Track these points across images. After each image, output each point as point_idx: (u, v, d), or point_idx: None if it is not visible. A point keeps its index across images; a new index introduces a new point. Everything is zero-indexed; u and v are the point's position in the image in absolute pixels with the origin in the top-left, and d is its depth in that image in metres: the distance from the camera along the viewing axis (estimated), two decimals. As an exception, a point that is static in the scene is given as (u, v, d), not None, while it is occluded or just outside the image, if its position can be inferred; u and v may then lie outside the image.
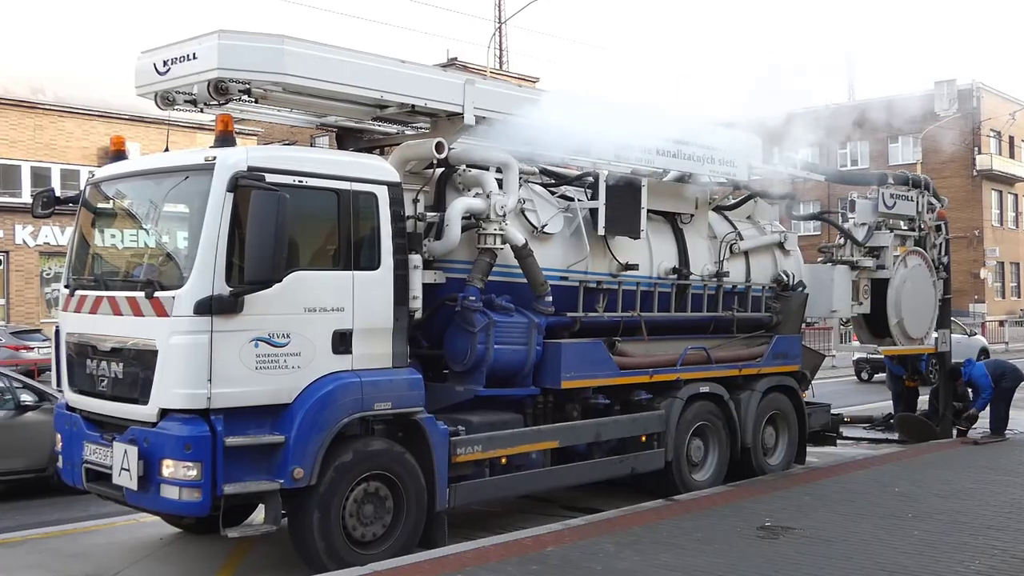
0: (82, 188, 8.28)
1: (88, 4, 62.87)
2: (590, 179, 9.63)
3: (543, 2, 75.35)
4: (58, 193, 8.91)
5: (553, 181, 9.88)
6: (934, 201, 14.13)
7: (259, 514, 7.29)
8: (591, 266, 9.50)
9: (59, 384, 8.00)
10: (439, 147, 8.06)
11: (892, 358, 14.69)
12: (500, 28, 49.71)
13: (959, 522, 8.62)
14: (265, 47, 7.27)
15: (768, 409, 11.14)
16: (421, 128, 9.02)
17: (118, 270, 7.98)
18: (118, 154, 8.23)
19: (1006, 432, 13.86)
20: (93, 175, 8.22)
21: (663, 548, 7.71)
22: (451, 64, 39.66)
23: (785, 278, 11.80)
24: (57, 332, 8.00)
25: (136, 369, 7.00)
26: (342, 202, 7.34)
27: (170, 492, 6.72)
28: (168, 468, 6.68)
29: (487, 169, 8.71)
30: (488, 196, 8.39)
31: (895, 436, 14.27)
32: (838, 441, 13.17)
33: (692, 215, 10.77)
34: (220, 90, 7.23)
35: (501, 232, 8.41)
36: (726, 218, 11.56)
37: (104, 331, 7.33)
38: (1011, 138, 53.44)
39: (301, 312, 7.04)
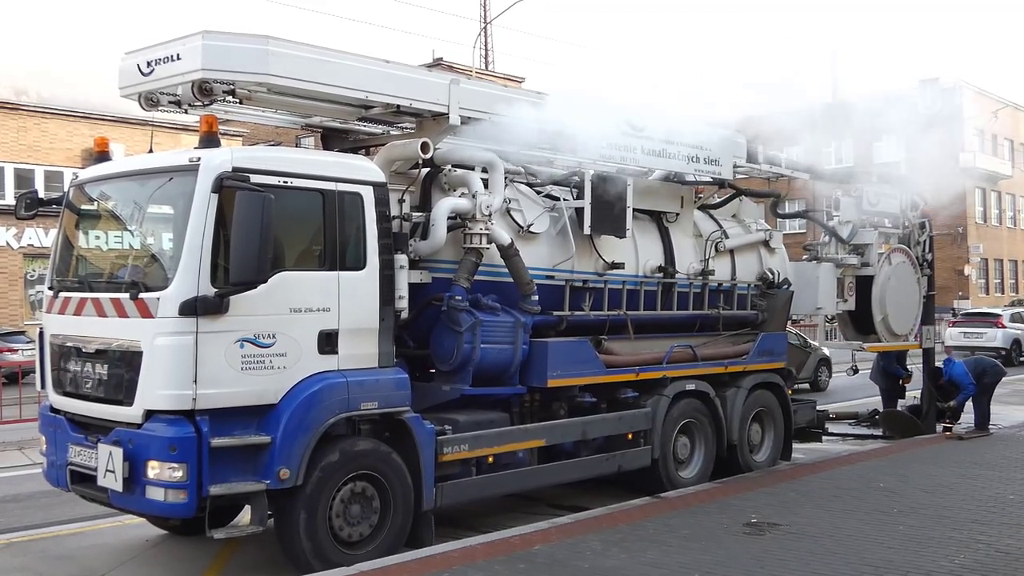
0: (66, 190, 8.24)
1: (71, 4, 62.56)
2: (576, 178, 9.65)
3: (528, 2, 75.40)
4: (42, 195, 8.91)
5: (539, 181, 9.90)
6: (917, 199, 14.20)
7: (245, 515, 7.28)
8: (577, 265, 9.52)
9: (43, 386, 7.96)
10: (424, 147, 8.06)
11: (888, 359, 14.75)
12: (485, 28, 49.74)
13: (944, 517, 8.68)
14: (249, 48, 7.26)
15: (754, 406, 11.19)
16: (406, 128, 9.02)
17: (102, 272, 7.94)
18: (102, 155, 8.21)
19: (990, 427, 13.96)
20: (77, 176, 8.18)
21: (650, 545, 7.73)
22: (437, 64, 39.63)
23: (770, 276, 11.85)
24: (41, 334, 7.96)
25: (121, 370, 6.98)
26: (327, 202, 7.34)
27: (155, 493, 6.70)
28: (153, 469, 6.66)
29: (473, 169, 8.71)
30: (474, 196, 8.39)
31: (880, 432, 14.36)
32: (824, 437, 13.24)
33: (678, 214, 10.80)
34: (204, 91, 7.21)
35: (487, 232, 8.42)
36: (711, 217, 11.60)
37: (88, 333, 7.30)
38: (994, 136, 53.75)
39: (287, 312, 7.03)
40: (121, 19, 66.41)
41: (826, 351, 20.68)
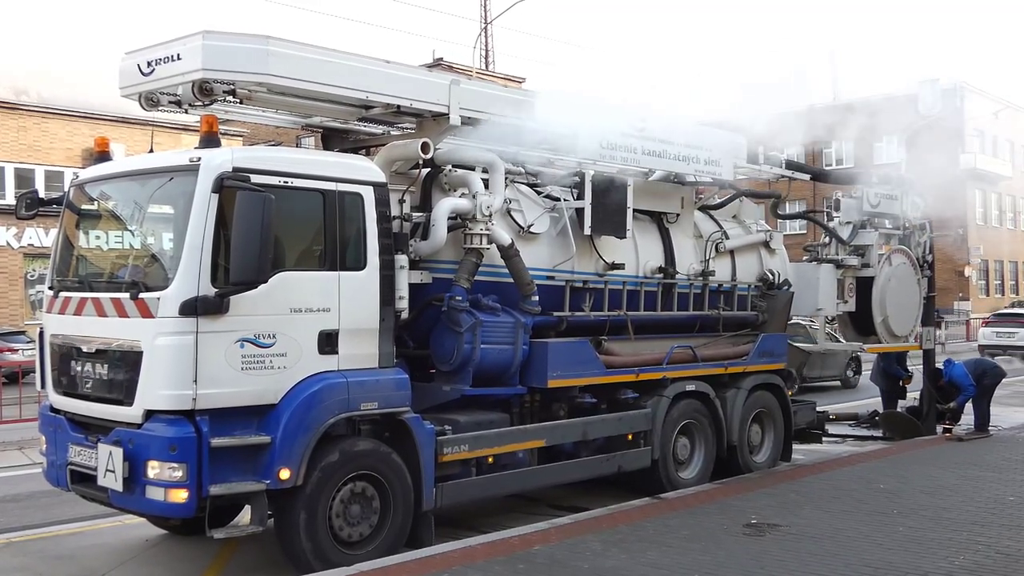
0: (66, 189, 8.24)
1: (71, 4, 62.53)
2: (576, 179, 9.65)
3: (529, 2, 75.36)
4: (42, 195, 8.91)
5: (539, 181, 9.89)
6: (918, 200, 14.20)
7: (245, 515, 7.28)
8: (577, 265, 9.52)
9: (43, 386, 7.97)
10: (425, 147, 8.06)
11: (888, 360, 14.74)
12: (486, 29, 49.79)
13: (944, 518, 8.67)
14: (249, 48, 7.26)
15: (754, 407, 11.18)
16: (407, 128, 9.01)
17: (103, 271, 7.94)
18: (102, 155, 8.21)
19: (989, 429, 13.96)
20: (77, 176, 8.19)
21: (649, 546, 7.73)
22: (437, 65, 39.66)
23: (771, 277, 11.84)
24: (41, 334, 7.96)
25: (121, 370, 6.98)
26: (328, 203, 7.34)
27: (155, 493, 6.70)
28: (153, 469, 6.66)
29: (473, 169, 8.71)
30: (474, 196, 8.39)
31: (880, 433, 14.36)
32: (823, 438, 13.23)
33: (678, 214, 10.79)
34: (205, 91, 7.21)
35: (487, 232, 8.41)
36: (712, 217, 11.60)
37: (89, 332, 7.30)
38: (995, 137, 53.74)
39: (287, 313, 7.03)
40: (121, 19, 66.41)
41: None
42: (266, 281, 6.71)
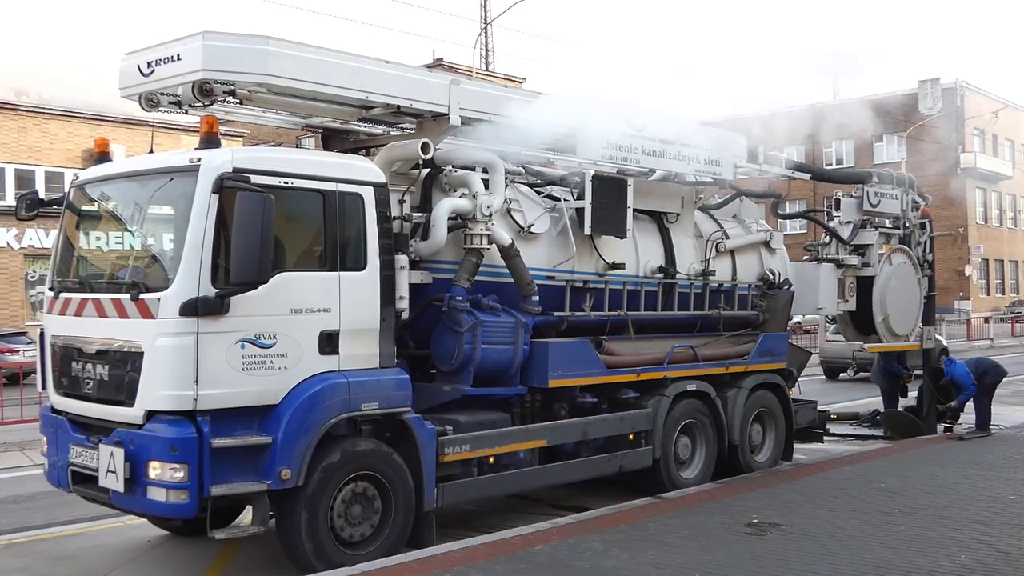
0: (66, 190, 8.24)
1: (71, 4, 62.54)
2: (576, 179, 9.65)
3: (528, 2, 75.45)
4: (42, 195, 8.87)
5: (539, 181, 9.89)
6: (918, 199, 14.20)
7: (247, 515, 7.28)
8: (578, 265, 9.52)
9: (44, 387, 7.97)
10: (425, 148, 8.06)
11: (889, 358, 14.74)
12: (486, 29, 49.77)
13: (945, 517, 8.67)
14: (249, 48, 7.27)
15: (755, 406, 11.18)
16: (407, 129, 9.02)
17: (103, 272, 7.95)
18: (102, 156, 8.21)
19: (990, 427, 13.96)
20: (77, 177, 8.19)
21: (651, 546, 7.72)
22: (437, 65, 39.64)
23: (771, 276, 11.83)
24: (42, 335, 7.96)
25: (122, 371, 6.98)
26: (328, 203, 7.34)
27: (157, 494, 6.70)
28: (155, 470, 6.66)
29: (473, 169, 8.71)
30: (474, 196, 8.39)
31: (881, 432, 14.36)
32: (825, 438, 13.23)
33: (678, 214, 10.79)
34: (205, 91, 7.22)
35: (487, 232, 8.41)
36: (712, 217, 11.60)
37: (89, 333, 7.31)
38: (995, 136, 53.79)
39: (287, 313, 7.03)
40: (121, 19, 66.42)
41: None
42: (266, 281, 6.71)
